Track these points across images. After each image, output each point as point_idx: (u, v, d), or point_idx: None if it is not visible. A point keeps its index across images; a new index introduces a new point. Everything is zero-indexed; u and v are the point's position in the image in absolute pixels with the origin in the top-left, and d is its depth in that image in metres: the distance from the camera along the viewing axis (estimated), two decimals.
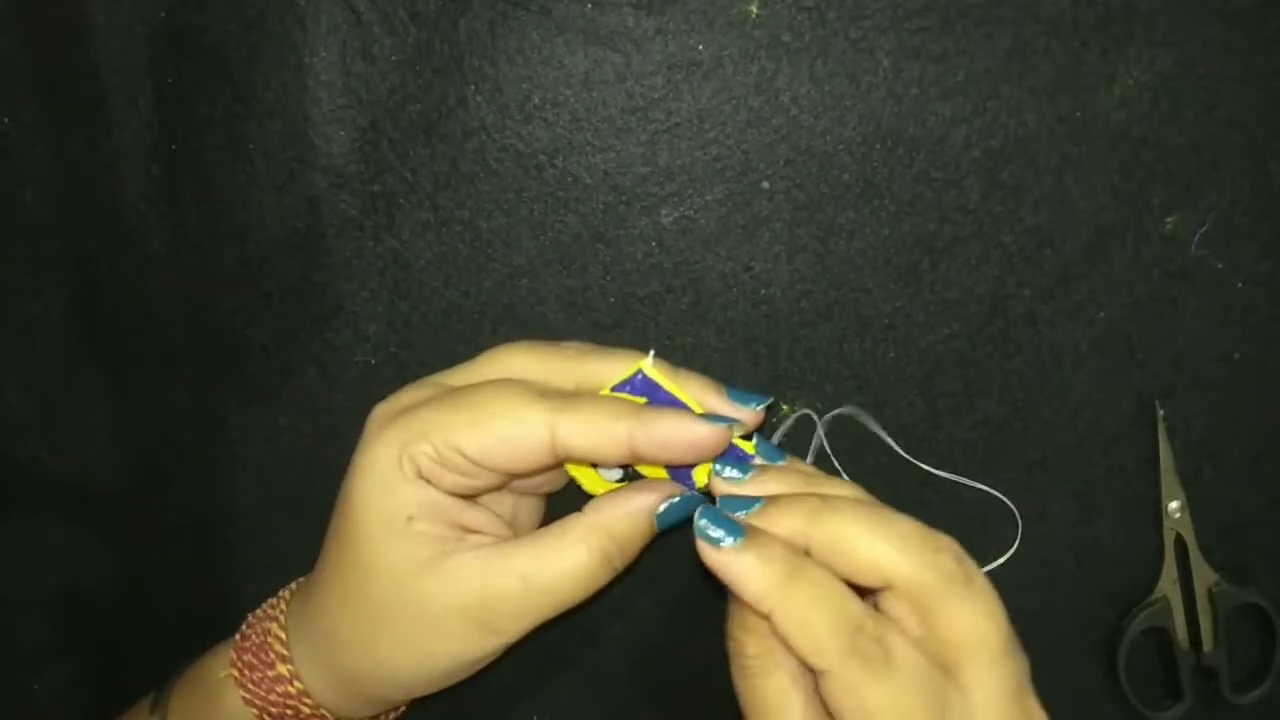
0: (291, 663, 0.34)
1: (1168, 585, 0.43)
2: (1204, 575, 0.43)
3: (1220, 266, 0.42)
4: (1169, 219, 0.42)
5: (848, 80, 0.40)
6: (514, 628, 0.32)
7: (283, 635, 0.35)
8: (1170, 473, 0.42)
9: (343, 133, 0.40)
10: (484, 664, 0.34)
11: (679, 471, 0.34)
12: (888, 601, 0.31)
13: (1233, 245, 0.42)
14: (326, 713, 0.34)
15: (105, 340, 0.42)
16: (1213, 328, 0.42)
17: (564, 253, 0.41)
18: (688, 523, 0.32)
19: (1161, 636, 0.44)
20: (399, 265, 0.41)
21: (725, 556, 0.30)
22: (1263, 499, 0.44)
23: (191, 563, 0.43)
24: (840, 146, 0.40)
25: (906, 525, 0.31)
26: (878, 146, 0.40)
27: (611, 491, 0.34)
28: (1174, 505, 0.43)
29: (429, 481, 0.32)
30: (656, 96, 0.40)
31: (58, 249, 0.41)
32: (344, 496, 0.33)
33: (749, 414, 0.34)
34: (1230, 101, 0.41)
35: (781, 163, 0.40)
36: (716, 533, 0.30)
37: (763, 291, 0.41)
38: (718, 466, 0.33)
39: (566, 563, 0.32)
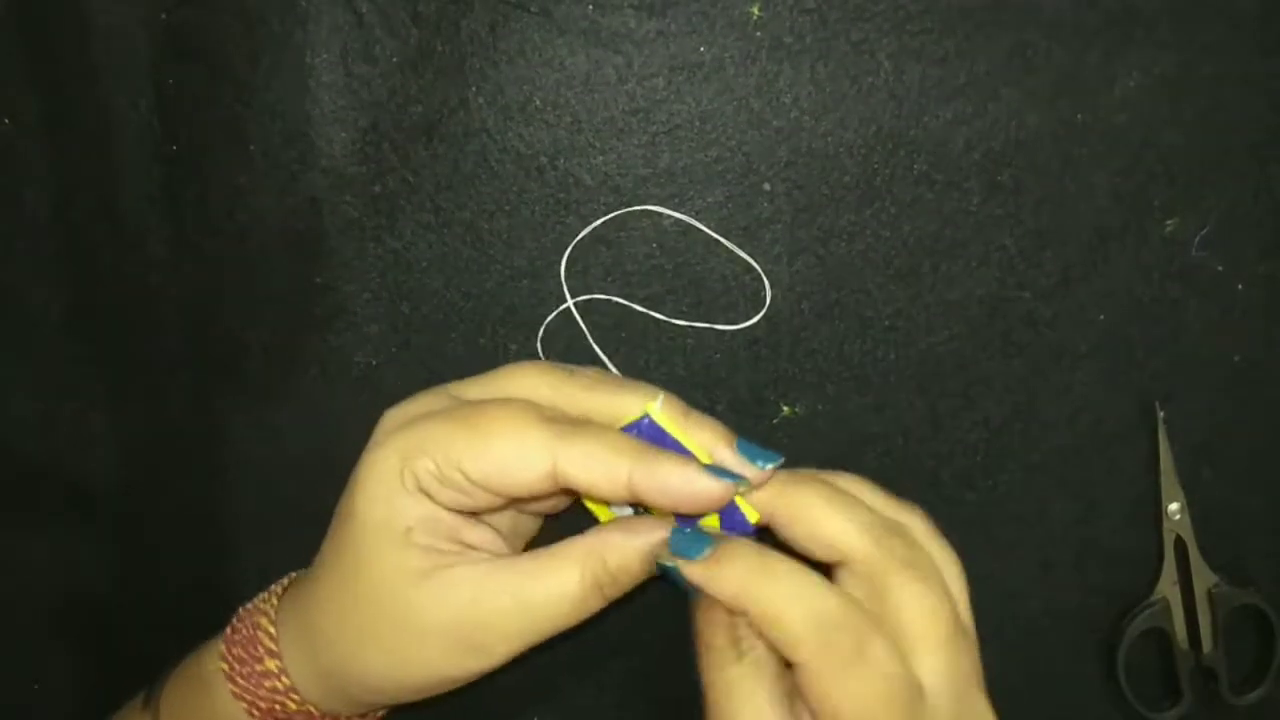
0: (280, 658, 0.34)
1: (1167, 586, 0.43)
2: (1203, 576, 0.43)
3: (1220, 269, 0.42)
4: (1169, 221, 0.42)
5: (849, 82, 0.40)
6: (500, 648, 0.32)
7: (272, 630, 0.34)
8: (1170, 474, 0.43)
9: (344, 134, 0.40)
10: (464, 682, 0.33)
11: (686, 519, 0.33)
12: (845, 579, 0.31)
13: (1233, 247, 0.42)
14: (313, 708, 0.34)
15: (105, 340, 0.42)
16: (1213, 330, 0.42)
17: (565, 254, 0.41)
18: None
19: (1161, 637, 0.44)
20: (400, 266, 0.41)
21: (699, 566, 0.30)
22: (1262, 501, 0.44)
23: (191, 563, 0.43)
24: (841, 148, 0.40)
25: (867, 510, 0.31)
26: (879, 148, 0.40)
27: (614, 521, 0.33)
28: (1174, 507, 0.43)
29: (429, 496, 0.31)
30: (658, 98, 0.40)
31: (58, 249, 0.41)
32: (345, 501, 0.33)
33: (755, 473, 0.32)
34: (1231, 104, 0.41)
35: (782, 164, 0.40)
36: (690, 551, 0.31)
37: (763, 293, 0.41)
38: (673, 538, 0.32)
39: (558, 585, 0.31)
